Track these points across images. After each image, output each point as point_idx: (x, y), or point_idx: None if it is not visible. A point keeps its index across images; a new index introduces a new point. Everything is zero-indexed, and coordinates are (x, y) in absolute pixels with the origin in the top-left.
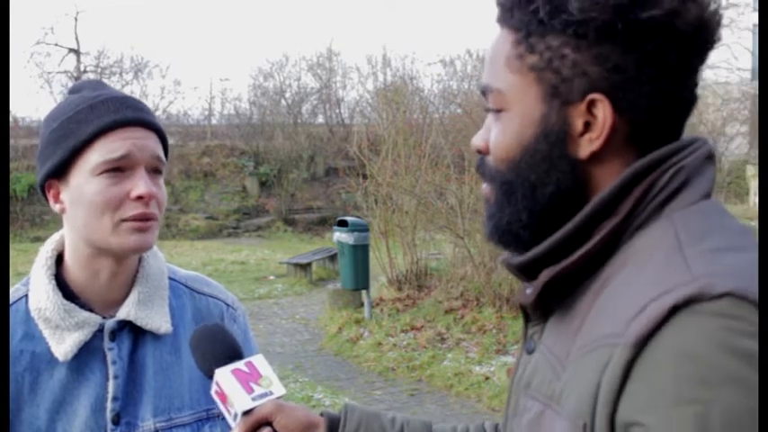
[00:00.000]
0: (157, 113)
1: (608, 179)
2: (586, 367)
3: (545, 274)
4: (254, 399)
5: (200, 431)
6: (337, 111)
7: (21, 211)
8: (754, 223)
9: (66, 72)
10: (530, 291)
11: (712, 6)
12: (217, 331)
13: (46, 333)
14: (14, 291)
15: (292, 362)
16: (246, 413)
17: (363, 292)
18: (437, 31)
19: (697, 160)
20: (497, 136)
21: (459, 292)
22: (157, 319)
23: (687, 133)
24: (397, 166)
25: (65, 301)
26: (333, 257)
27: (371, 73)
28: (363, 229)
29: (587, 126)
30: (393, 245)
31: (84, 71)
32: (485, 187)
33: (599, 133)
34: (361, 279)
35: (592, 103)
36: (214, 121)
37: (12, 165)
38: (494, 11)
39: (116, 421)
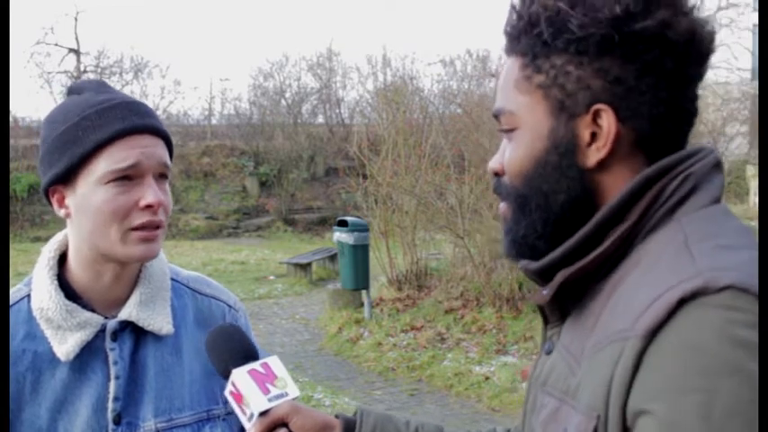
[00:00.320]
0: (157, 113)
1: (616, 186)
2: (600, 362)
3: (561, 275)
4: (270, 400)
5: (200, 431)
6: (337, 111)
7: (21, 211)
8: (755, 223)
9: (66, 72)
10: (546, 292)
11: (703, 21)
12: (233, 332)
13: (48, 333)
14: (16, 291)
15: (292, 362)
16: (263, 414)
17: (363, 292)
18: (437, 31)
19: (705, 167)
20: (511, 153)
21: (459, 292)
22: (159, 320)
23: None
24: (397, 166)
25: (67, 302)
26: (333, 257)
27: (371, 73)
28: (363, 229)
29: (593, 136)
30: (393, 245)
31: (84, 71)
32: (501, 206)
33: (605, 142)
34: (361, 279)
35: (596, 114)
36: (214, 121)
37: (12, 165)
38: (500, 35)
39: (117, 421)
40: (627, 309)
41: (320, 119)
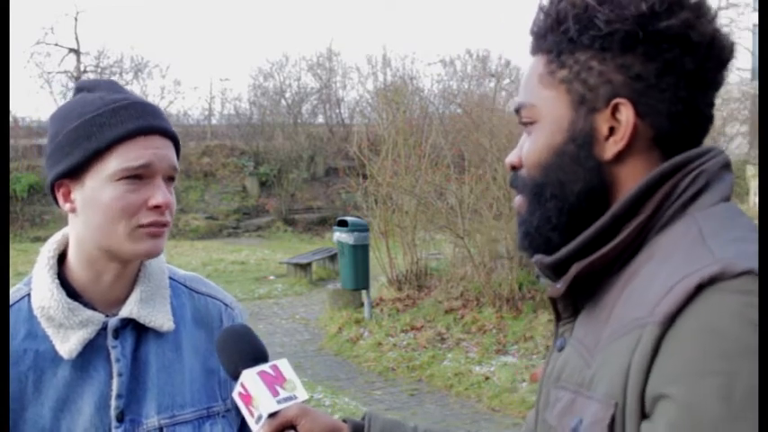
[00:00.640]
0: None
1: (632, 180)
2: (617, 351)
3: (575, 267)
4: (279, 402)
5: (201, 428)
6: (337, 111)
7: (21, 211)
8: (755, 223)
9: (66, 72)
10: (560, 285)
11: (723, 27)
12: (243, 333)
13: (49, 331)
14: (16, 290)
15: (292, 362)
16: (271, 416)
17: (363, 292)
18: (437, 31)
19: (716, 166)
20: (530, 146)
21: (460, 292)
22: (160, 317)
23: None
24: (397, 166)
25: (69, 300)
26: (333, 257)
27: (371, 73)
28: (363, 229)
29: (612, 131)
30: (393, 245)
31: (84, 71)
32: (517, 200)
33: (622, 135)
34: (361, 279)
35: (616, 108)
36: (214, 121)
37: (12, 165)
38: (526, 38)
39: (120, 418)
40: (642, 299)
41: (320, 119)
